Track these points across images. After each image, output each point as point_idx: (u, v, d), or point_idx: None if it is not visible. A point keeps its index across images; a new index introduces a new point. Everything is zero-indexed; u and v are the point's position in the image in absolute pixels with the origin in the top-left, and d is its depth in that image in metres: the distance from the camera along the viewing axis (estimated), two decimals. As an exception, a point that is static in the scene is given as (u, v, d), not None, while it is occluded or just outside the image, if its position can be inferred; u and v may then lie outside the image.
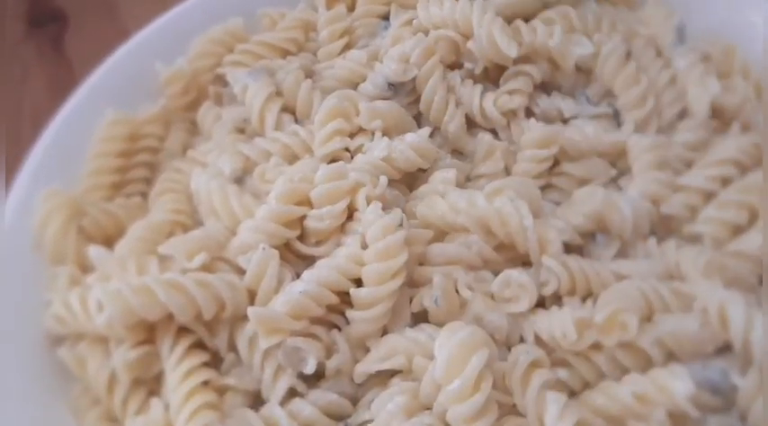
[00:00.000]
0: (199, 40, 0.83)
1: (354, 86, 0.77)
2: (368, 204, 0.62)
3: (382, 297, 0.59)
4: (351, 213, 0.64)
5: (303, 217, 0.64)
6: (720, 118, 0.75)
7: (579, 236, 0.65)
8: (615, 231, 0.65)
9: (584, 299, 0.62)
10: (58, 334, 0.64)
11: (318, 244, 0.64)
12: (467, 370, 0.53)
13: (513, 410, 0.56)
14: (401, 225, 0.60)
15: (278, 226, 0.62)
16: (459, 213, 0.62)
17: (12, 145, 1.00)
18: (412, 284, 0.62)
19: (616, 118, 0.76)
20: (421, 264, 0.63)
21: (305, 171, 0.65)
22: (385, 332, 0.60)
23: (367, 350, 0.60)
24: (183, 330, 0.61)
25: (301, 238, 0.64)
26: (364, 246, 0.60)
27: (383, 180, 0.64)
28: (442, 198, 0.64)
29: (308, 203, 0.64)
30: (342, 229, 0.64)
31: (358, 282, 0.60)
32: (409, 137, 0.69)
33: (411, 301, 0.62)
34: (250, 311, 0.58)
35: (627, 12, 0.84)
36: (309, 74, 0.80)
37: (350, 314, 0.60)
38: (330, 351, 0.60)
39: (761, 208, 0.64)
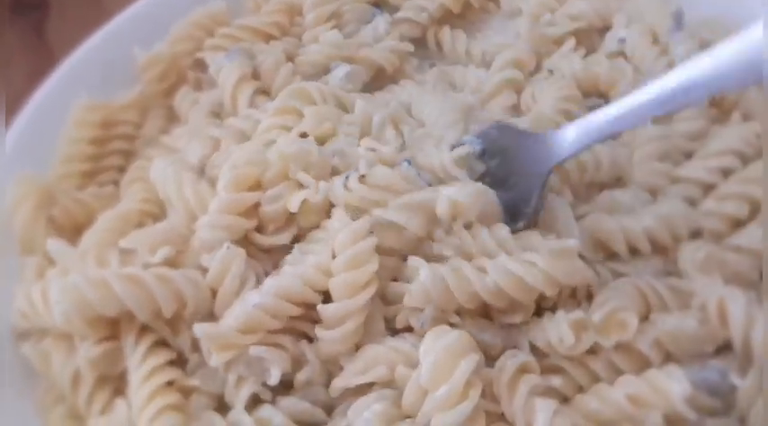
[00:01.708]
0: (179, 24, 0.81)
1: (328, 71, 0.75)
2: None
3: (352, 311, 0.55)
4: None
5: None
6: (720, 107, 0.72)
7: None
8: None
9: (579, 303, 0.59)
10: (23, 329, 0.61)
11: (278, 231, 0.60)
12: (455, 376, 0.50)
13: (501, 418, 0.54)
14: (371, 232, 0.57)
15: (234, 216, 0.58)
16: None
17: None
18: (387, 301, 0.58)
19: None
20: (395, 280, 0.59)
21: (250, 154, 0.62)
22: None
23: (340, 365, 0.56)
24: (147, 327, 0.58)
25: (260, 229, 0.60)
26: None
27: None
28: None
29: (259, 187, 0.60)
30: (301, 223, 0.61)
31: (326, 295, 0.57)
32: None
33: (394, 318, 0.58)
34: (196, 328, 0.55)
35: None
36: (292, 59, 0.77)
37: (318, 332, 0.56)
38: (299, 362, 0.56)
39: (762, 201, 0.61)
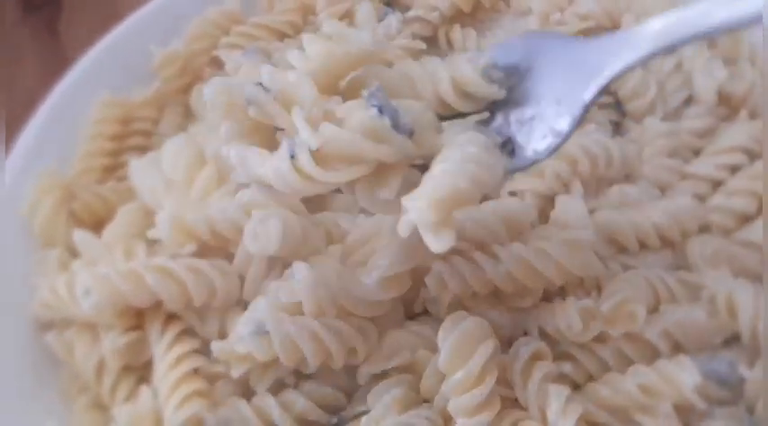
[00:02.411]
0: (195, 22, 0.82)
1: None
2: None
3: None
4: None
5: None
6: (727, 104, 0.73)
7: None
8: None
9: (588, 293, 0.60)
10: (46, 320, 0.63)
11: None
12: (472, 361, 0.51)
13: (514, 403, 0.55)
14: None
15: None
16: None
17: (7, 130, 0.99)
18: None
19: (618, 108, 0.75)
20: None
21: None
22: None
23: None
24: (172, 316, 0.59)
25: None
26: None
27: None
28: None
29: None
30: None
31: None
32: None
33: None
34: (214, 346, 0.56)
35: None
36: (307, 58, 0.79)
37: None
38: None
39: (763, 199, 0.63)
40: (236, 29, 0.81)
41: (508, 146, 0.49)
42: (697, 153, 0.70)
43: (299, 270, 0.55)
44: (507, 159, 0.48)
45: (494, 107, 0.50)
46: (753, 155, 0.67)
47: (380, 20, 0.84)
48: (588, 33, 0.81)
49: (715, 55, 0.75)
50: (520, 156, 0.49)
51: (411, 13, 0.84)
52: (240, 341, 0.54)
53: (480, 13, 0.88)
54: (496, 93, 0.49)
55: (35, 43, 1.13)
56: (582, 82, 0.47)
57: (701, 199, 0.66)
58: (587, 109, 0.47)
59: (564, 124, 0.47)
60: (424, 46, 0.82)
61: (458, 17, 0.86)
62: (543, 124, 0.48)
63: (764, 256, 0.58)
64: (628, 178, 0.69)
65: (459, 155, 0.44)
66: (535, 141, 0.48)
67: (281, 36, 0.81)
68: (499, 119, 0.50)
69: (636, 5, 0.82)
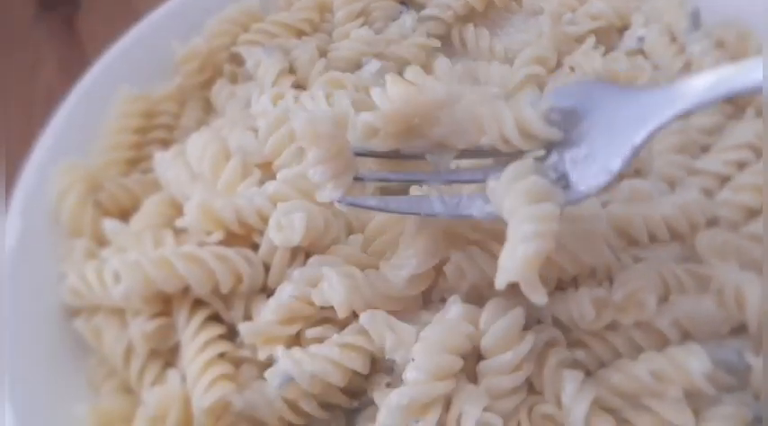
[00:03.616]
0: (215, 19, 0.84)
1: (359, 67, 0.79)
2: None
3: None
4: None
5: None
6: (735, 103, 0.75)
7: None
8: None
9: (600, 283, 0.61)
10: (73, 306, 0.65)
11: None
12: (520, 346, 0.54)
13: (530, 389, 0.57)
14: None
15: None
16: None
17: (24, 126, 1.01)
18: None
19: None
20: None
21: None
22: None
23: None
24: (198, 302, 0.61)
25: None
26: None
27: None
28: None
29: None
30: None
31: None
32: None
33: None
34: (241, 327, 0.58)
35: (643, -1, 0.85)
36: (324, 54, 0.81)
37: None
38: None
39: (763, 197, 0.64)
40: (255, 26, 0.83)
41: (562, 182, 0.53)
42: (705, 149, 0.72)
43: (330, 277, 0.57)
44: (562, 194, 0.52)
45: (550, 145, 0.55)
46: (759, 152, 0.68)
47: (395, 18, 0.86)
48: (599, 33, 0.83)
49: (723, 55, 0.77)
50: (574, 191, 0.53)
51: (425, 12, 0.86)
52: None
53: (493, 13, 0.89)
54: (555, 134, 0.54)
55: (53, 41, 1.14)
56: (633, 127, 0.51)
57: (710, 193, 0.67)
58: (637, 152, 0.51)
59: (615, 164, 0.52)
60: (438, 43, 0.84)
61: (471, 16, 0.88)
62: (596, 163, 0.53)
63: (765, 249, 0.60)
64: (638, 173, 0.70)
65: (537, 213, 0.48)
66: (589, 178, 0.53)
67: (299, 33, 0.83)
68: (554, 156, 0.54)
69: (646, 6, 0.84)
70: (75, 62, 1.10)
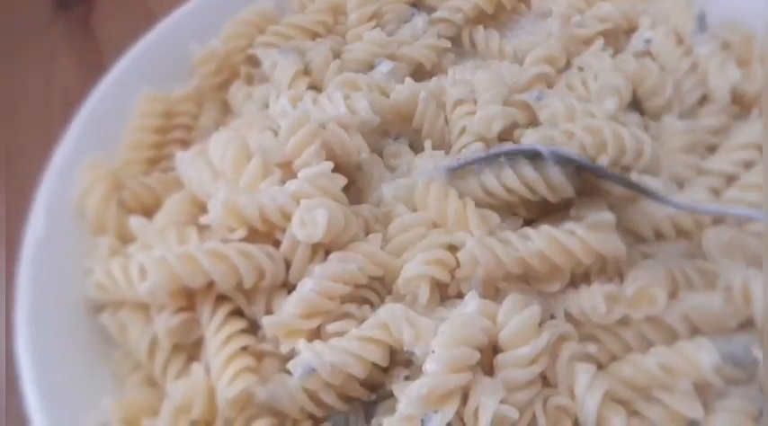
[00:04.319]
0: (231, 22, 0.85)
1: (371, 67, 0.81)
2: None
3: None
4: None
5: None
6: (740, 103, 0.77)
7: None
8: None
9: (611, 279, 0.63)
10: (99, 302, 0.66)
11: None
12: (538, 341, 0.56)
13: (544, 381, 0.58)
14: None
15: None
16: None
17: (41, 125, 1.03)
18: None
19: (636, 106, 0.78)
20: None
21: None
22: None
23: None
24: (221, 297, 0.62)
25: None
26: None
27: None
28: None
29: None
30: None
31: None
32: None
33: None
34: (264, 320, 0.60)
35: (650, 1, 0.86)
36: (337, 55, 0.82)
37: None
38: None
39: (763, 192, 0.66)
40: (270, 28, 0.84)
41: None
42: (712, 149, 0.73)
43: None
44: None
45: None
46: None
47: (407, 20, 0.88)
48: (607, 35, 0.85)
49: (729, 56, 0.78)
50: None
51: (436, 14, 0.88)
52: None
53: (502, 15, 0.91)
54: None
55: (69, 41, 1.15)
56: None
57: (716, 192, 0.69)
58: None
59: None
60: (449, 44, 0.86)
61: (481, 18, 0.89)
62: None
63: (764, 246, 0.62)
64: (646, 171, 0.72)
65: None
66: None
67: (314, 35, 0.85)
68: None
69: (653, 8, 0.86)
70: (90, 61, 1.12)
